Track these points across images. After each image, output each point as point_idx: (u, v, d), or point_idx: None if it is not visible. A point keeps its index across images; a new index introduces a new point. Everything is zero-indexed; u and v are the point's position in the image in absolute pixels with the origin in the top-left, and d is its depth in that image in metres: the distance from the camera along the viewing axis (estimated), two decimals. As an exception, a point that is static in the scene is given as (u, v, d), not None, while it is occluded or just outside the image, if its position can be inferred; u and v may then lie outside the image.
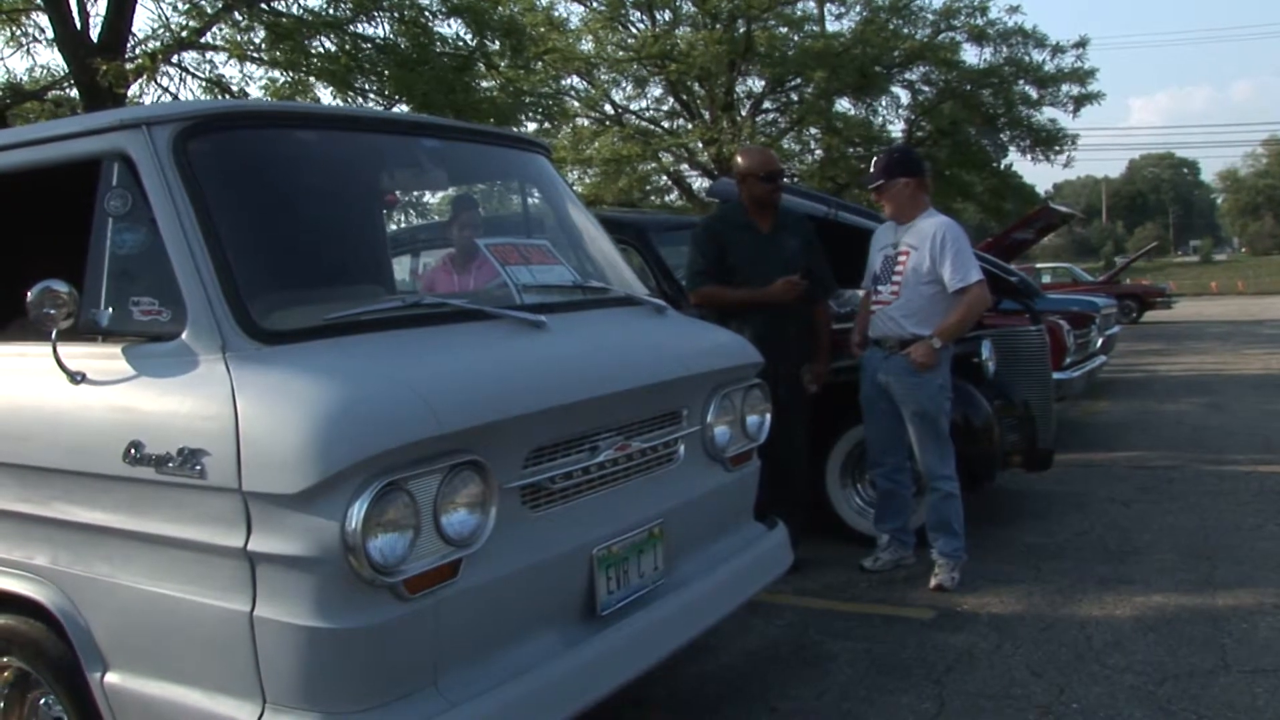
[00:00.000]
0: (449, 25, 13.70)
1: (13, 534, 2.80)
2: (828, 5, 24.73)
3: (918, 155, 5.67)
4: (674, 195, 26.00)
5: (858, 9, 24.34)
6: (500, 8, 14.22)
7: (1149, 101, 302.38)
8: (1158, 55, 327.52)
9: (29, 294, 2.57)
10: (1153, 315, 28.62)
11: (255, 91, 13.36)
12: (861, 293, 5.54)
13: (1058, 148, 24.94)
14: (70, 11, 11.66)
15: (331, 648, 2.30)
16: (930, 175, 5.95)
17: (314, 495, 2.24)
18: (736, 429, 3.66)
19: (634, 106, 25.66)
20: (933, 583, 5.05)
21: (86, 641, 2.63)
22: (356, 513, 2.25)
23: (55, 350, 2.64)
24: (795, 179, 22.44)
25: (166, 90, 13.04)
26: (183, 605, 2.44)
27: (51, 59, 25.20)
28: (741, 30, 22.46)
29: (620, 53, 23.80)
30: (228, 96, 12.85)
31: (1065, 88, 24.41)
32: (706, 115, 24.08)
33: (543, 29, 19.02)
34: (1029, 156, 25.39)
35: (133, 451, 2.48)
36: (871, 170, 5.28)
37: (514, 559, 2.66)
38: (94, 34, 11.81)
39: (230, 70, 13.35)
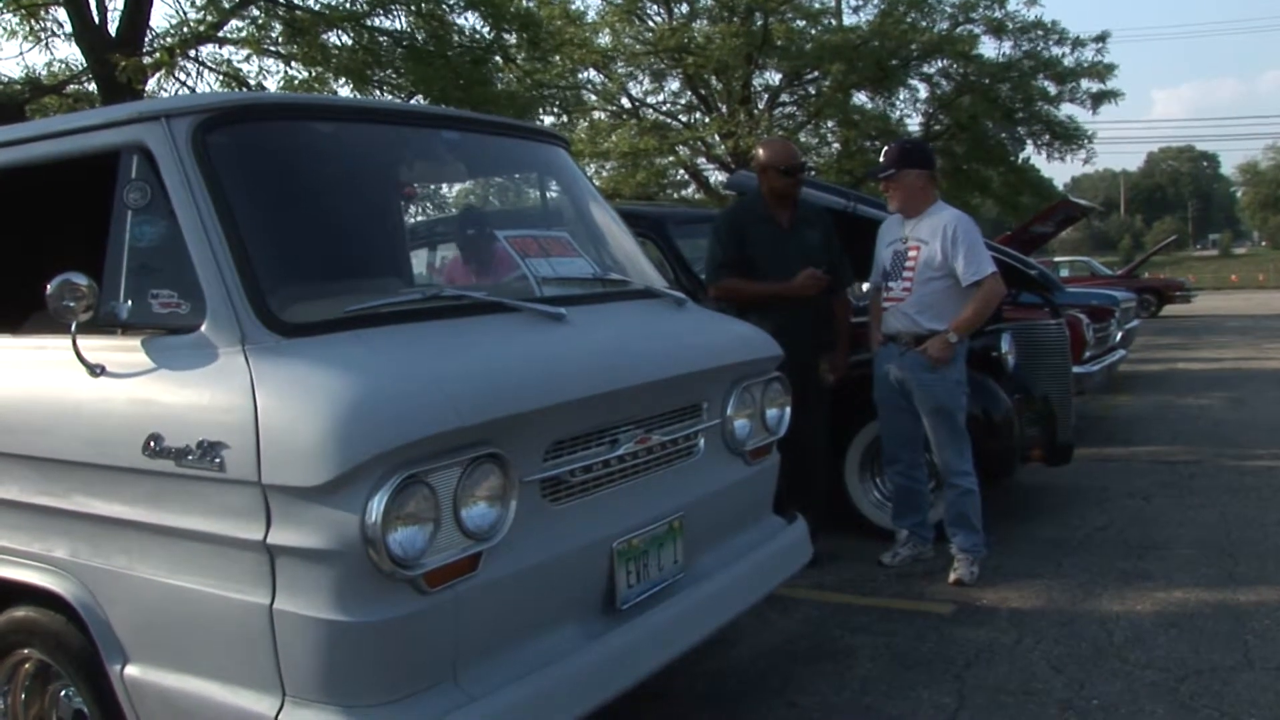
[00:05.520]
0: (466, 18, 13.71)
1: (33, 526, 2.80)
2: (845, -2, 24.65)
3: (929, 148, 5.65)
4: (691, 189, 25.96)
5: (875, 2, 24.23)
6: (516, 2, 14.18)
7: (1173, 93, 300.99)
8: (1182, 46, 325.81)
9: (48, 286, 2.57)
10: (1172, 309, 28.51)
11: (272, 86, 13.39)
12: (868, 286, 5.52)
13: (1076, 145, 24.78)
14: (88, 6, 11.72)
15: (351, 641, 2.29)
16: (939, 169, 5.91)
17: (334, 488, 2.23)
18: (756, 422, 3.64)
19: (651, 100, 25.63)
20: (952, 577, 5.02)
21: (106, 634, 2.63)
22: (376, 506, 2.24)
23: (75, 343, 2.64)
24: (813, 172, 22.37)
25: (184, 85, 13.09)
26: (202, 598, 2.44)
27: (70, 53, 25.29)
28: (759, 23, 22.35)
29: (637, 46, 23.76)
30: (245, 91, 12.87)
31: (1084, 84, 24.26)
32: (724, 108, 23.99)
33: (559, 22, 18.97)
34: (1045, 154, 25.28)
35: (152, 444, 2.47)
36: (882, 159, 5.25)
37: (534, 552, 2.65)
38: (112, 28, 11.87)
39: (248, 65, 13.38)
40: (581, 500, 2.86)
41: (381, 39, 12.94)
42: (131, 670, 2.59)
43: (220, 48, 13.28)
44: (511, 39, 13.86)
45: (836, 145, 24.69)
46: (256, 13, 12.64)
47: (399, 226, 4.09)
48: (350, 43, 12.84)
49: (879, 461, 5.79)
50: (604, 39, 23.54)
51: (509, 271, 3.40)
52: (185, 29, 12.47)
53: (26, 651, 2.93)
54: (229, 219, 2.63)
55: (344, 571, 2.26)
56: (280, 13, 12.58)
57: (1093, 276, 24.28)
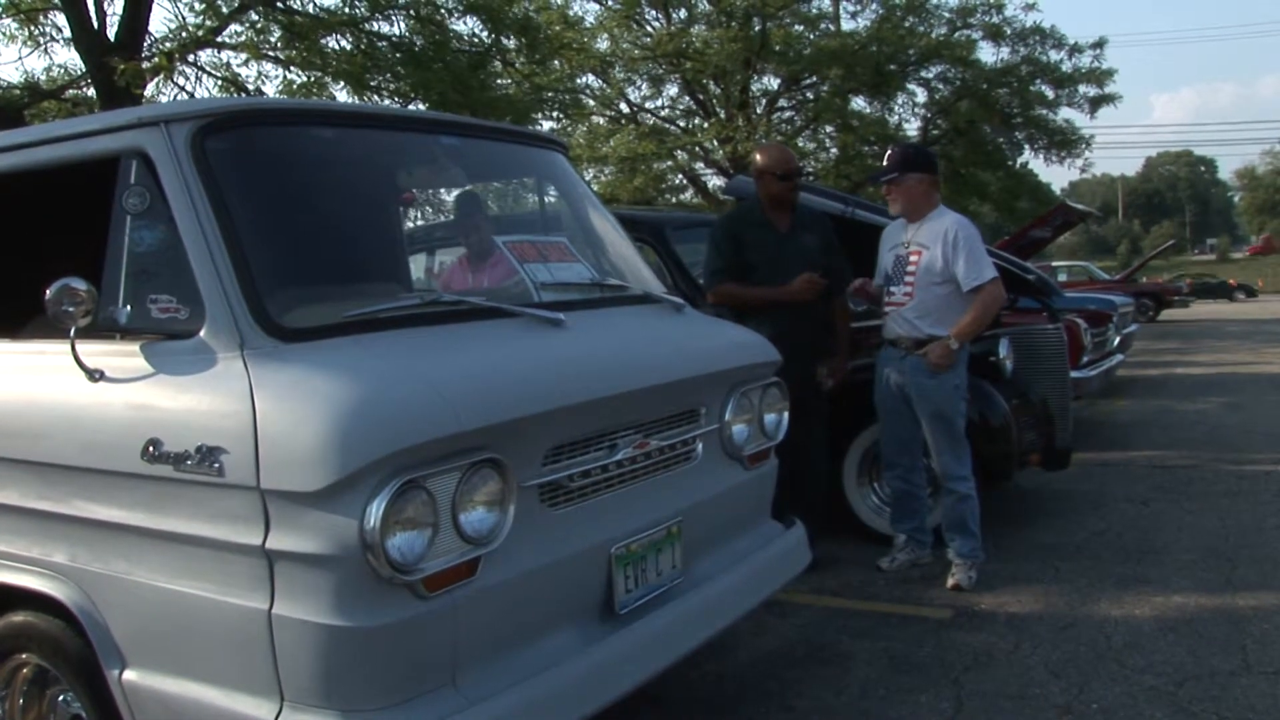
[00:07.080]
0: (464, 23, 13.73)
1: (32, 531, 2.80)
2: (843, 3, 24.68)
3: (931, 152, 5.66)
4: (689, 193, 25.96)
5: (873, 7, 24.28)
6: (515, 6, 14.19)
7: (1173, 98, 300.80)
8: (1181, 51, 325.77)
9: (48, 291, 2.57)
10: (1170, 314, 28.53)
11: (271, 91, 13.40)
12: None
13: (1075, 151, 24.84)
14: (87, 11, 11.72)
15: (350, 646, 2.29)
16: (941, 174, 5.92)
17: (333, 493, 2.23)
18: (754, 427, 3.64)
19: (650, 105, 25.68)
20: (950, 582, 5.02)
21: (105, 639, 2.63)
22: (375, 510, 2.24)
23: (74, 348, 2.64)
24: (812, 177, 22.38)
25: (183, 89, 13.12)
26: (201, 603, 2.44)
27: (69, 58, 25.32)
28: (757, 28, 22.39)
29: (636, 51, 23.78)
30: (244, 95, 12.88)
31: (1082, 89, 24.32)
32: (722, 113, 24.01)
33: (557, 27, 18.98)
34: (1043, 158, 25.33)
35: (151, 449, 2.47)
36: (885, 164, 5.25)
37: (532, 557, 2.65)
38: (111, 33, 11.86)
39: (246, 69, 13.39)
40: (580, 505, 2.86)
41: (380, 43, 12.95)
42: (130, 675, 2.58)
43: (219, 52, 13.32)
44: (510, 43, 13.86)
45: (835, 150, 24.69)
46: (255, 17, 12.65)
47: (398, 231, 4.09)
48: (349, 47, 12.85)
49: (877, 466, 5.79)
50: (602, 44, 23.55)
51: (507, 277, 3.40)
52: (184, 34, 12.50)
53: (25, 656, 2.93)
54: (228, 224, 2.64)
55: (343, 576, 2.26)
56: (279, 17, 12.59)
57: (1091, 281, 24.30)
